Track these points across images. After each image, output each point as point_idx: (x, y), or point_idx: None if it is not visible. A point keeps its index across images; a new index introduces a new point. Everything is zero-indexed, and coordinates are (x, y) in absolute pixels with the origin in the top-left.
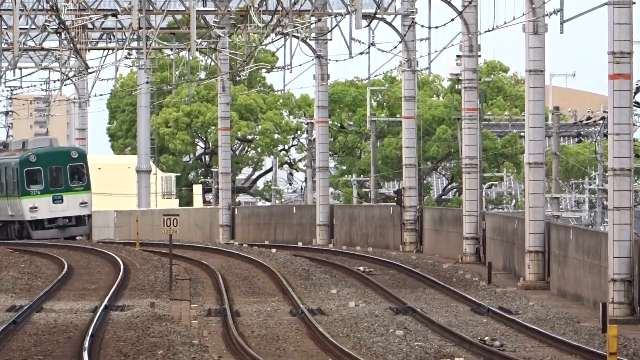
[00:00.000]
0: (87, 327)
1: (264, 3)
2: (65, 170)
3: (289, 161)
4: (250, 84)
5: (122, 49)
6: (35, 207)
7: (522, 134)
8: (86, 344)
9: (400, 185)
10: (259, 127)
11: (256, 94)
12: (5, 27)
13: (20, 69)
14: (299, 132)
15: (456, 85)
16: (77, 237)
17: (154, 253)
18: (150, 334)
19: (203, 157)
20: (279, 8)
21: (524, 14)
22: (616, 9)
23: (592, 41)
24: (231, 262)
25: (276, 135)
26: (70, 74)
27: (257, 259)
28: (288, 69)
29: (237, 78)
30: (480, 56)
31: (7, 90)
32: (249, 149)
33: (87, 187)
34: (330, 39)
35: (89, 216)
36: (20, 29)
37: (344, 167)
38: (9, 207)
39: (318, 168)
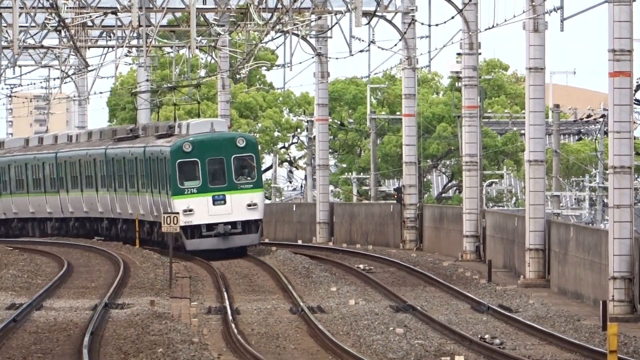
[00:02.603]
0: (87, 325)
1: (264, 1)
2: (228, 162)
3: (289, 159)
4: (250, 81)
5: (122, 46)
6: (190, 210)
7: (522, 131)
8: (86, 342)
9: (401, 183)
10: (259, 125)
11: (256, 92)
12: (5, 24)
13: (20, 66)
14: (299, 130)
15: (456, 83)
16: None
17: (153, 251)
18: (150, 332)
19: None
20: (279, 6)
21: (524, 12)
22: (616, 7)
23: (592, 39)
24: (231, 260)
25: (276, 133)
26: (70, 72)
27: (257, 256)
28: (288, 66)
29: (237, 76)
30: (480, 54)
31: (7, 88)
32: None
33: (258, 185)
34: (331, 37)
35: (260, 221)
36: (20, 26)
37: (344, 165)
38: (161, 207)
39: (318, 166)
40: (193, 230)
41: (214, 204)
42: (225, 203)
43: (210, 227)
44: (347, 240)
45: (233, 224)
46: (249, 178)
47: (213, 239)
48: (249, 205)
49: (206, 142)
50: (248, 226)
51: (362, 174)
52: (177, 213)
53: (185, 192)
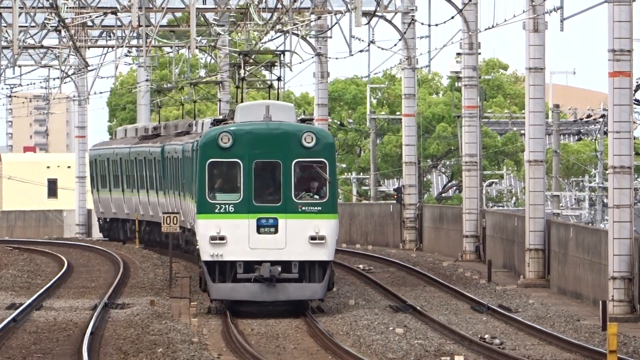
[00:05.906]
0: (86, 325)
1: (264, 1)
2: (287, 169)
3: None
4: (250, 82)
5: (121, 46)
6: (222, 238)
7: (522, 131)
8: (86, 342)
9: (400, 183)
10: None
11: (256, 92)
12: (5, 24)
13: (19, 66)
14: None
15: (456, 83)
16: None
17: (154, 252)
18: (150, 332)
19: None
20: (279, 6)
21: (524, 12)
22: (616, 7)
23: (592, 39)
24: None
25: None
26: (70, 72)
27: None
28: (288, 66)
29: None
30: (480, 54)
31: (7, 88)
32: None
33: (329, 208)
34: (330, 37)
35: (328, 265)
36: (20, 26)
37: (344, 165)
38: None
39: None
40: (223, 269)
41: (258, 231)
42: (276, 232)
43: (250, 266)
44: (346, 240)
45: (286, 265)
46: (316, 197)
47: (253, 285)
48: (314, 238)
49: (255, 135)
50: (310, 270)
51: (362, 174)
52: (177, 213)
53: (216, 210)
